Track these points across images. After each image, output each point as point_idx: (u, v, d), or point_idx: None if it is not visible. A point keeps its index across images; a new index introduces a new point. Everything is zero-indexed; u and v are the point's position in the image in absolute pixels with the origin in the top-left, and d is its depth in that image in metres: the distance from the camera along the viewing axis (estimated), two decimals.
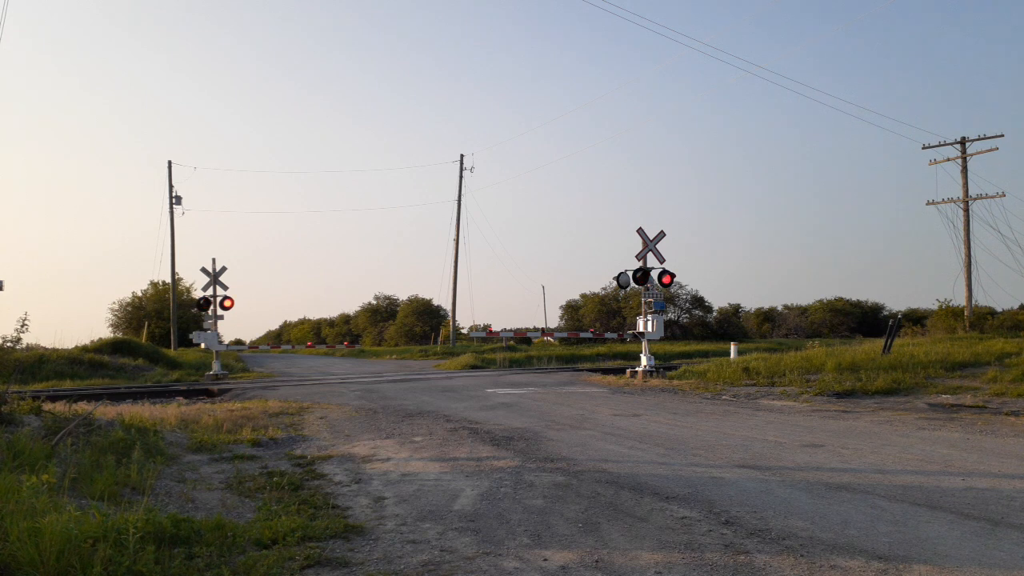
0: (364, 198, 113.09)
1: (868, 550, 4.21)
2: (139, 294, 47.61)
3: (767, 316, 60.92)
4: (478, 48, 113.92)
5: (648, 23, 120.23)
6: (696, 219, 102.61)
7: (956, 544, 4.30)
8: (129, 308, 46.84)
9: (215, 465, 7.34)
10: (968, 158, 29.80)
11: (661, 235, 17.80)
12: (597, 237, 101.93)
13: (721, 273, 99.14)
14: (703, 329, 49.31)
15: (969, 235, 29.54)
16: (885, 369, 14.48)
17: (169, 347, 36.23)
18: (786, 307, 62.41)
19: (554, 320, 57.36)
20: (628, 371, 18.78)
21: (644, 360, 18.08)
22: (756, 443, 8.10)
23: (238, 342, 49.68)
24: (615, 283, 18.83)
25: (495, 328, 45.36)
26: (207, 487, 6.26)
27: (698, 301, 51.47)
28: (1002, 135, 28.76)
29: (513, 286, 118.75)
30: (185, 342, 38.62)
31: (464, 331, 47.71)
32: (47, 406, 8.22)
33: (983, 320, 29.19)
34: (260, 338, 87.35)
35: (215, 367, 21.01)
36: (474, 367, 25.82)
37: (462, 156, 43.01)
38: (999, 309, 34.93)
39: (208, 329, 20.93)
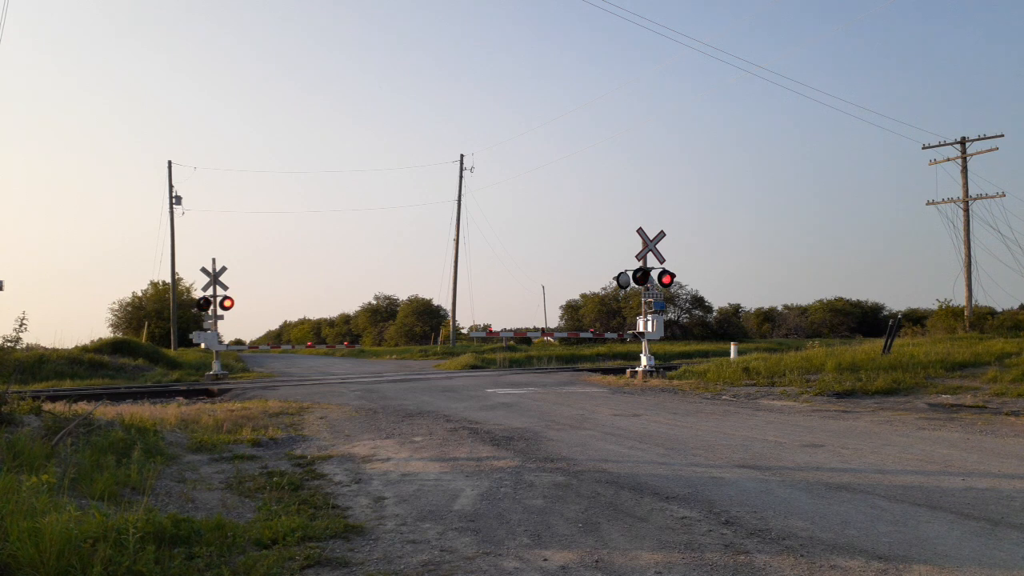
0: (364, 198, 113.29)
1: (868, 550, 4.21)
2: (139, 294, 47.70)
3: (767, 316, 60.96)
4: (478, 48, 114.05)
5: (648, 23, 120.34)
6: (696, 219, 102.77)
7: (956, 544, 4.30)
8: (129, 308, 46.87)
9: (215, 465, 7.34)
10: (968, 158, 29.82)
11: (661, 235, 17.80)
12: (597, 237, 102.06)
13: (721, 273, 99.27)
14: (703, 329, 49.32)
15: (969, 235, 29.59)
16: (885, 369, 14.49)
17: (169, 347, 36.23)
18: (786, 307, 62.53)
19: (554, 320, 57.47)
20: (628, 371, 18.78)
21: (644, 360, 18.08)
22: (756, 443, 8.10)
23: (238, 342, 49.68)
24: (615, 283, 18.83)
25: (495, 328, 45.38)
26: (207, 487, 6.26)
27: (698, 301, 51.49)
28: (1002, 135, 28.83)
29: (513, 286, 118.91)
30: (185, 342, 38.63)
31: (464, 331, 47.72)
32: (47, 406, 8.21)
33: (983, 320, 29.20)
34: (260, 338, 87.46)
35: (215, 367, 21.02)
36: (474, 367, 25.82)
37: (462, 156, 43.09)
38: (999, 309, 34.99)
39: (208, 329, 20.94)
